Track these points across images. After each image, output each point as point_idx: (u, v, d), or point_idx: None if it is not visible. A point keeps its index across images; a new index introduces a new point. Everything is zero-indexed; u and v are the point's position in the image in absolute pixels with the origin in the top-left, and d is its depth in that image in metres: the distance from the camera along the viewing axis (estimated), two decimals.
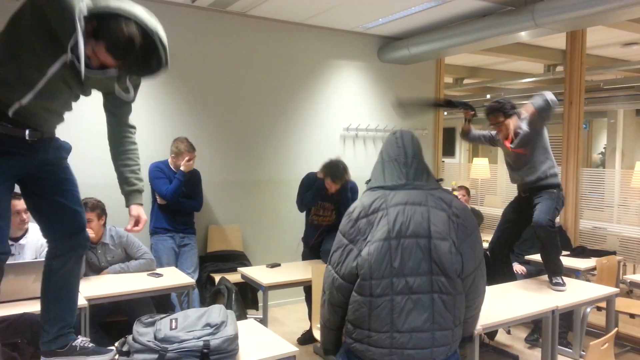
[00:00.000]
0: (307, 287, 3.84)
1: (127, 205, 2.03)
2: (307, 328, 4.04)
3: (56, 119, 1.89)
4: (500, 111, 3.31)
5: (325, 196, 3.80)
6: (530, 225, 3.32)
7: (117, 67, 1.72)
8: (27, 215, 3.03)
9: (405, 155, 1.98)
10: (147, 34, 1.64)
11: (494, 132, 3.51)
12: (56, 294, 1.97)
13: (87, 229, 2.03)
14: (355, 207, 1.92)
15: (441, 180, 2.18)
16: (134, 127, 2.05)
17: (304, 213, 3.99)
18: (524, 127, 3.26)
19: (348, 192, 3.79)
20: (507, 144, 3.35)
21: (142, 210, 2.03)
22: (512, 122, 3.30)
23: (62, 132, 1.95)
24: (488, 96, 9.07)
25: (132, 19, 1.61)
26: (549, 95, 3.17)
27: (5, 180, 1.74)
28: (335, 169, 3.65)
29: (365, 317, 1.83)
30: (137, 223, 2.01)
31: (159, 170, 4.06)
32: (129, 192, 2.02)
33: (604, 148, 10.11)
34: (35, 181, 1.87)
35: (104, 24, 1.62)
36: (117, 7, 1.62)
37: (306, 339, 3.99)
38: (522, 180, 3.40)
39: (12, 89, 1.69)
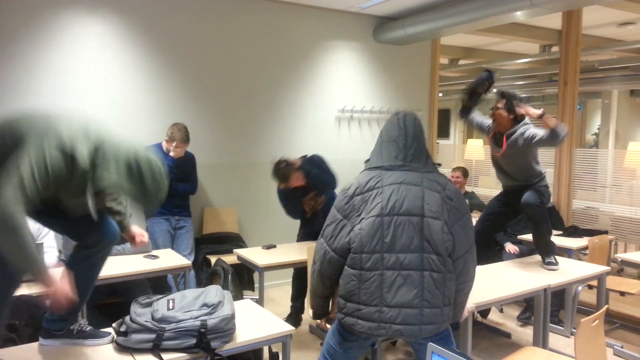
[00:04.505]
0: (297, 269, 3.86)
1: (125, 230, 2.18)
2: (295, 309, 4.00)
3: None
4: (504, 97, 3.20)
5: (302, 192, 3.77)
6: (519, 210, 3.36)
7: None
8: None
9: (405, 136, 2.00)
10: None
11: (490, 123, 3.41)
12: (74, 282, 1.99)
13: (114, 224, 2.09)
14: (352, 185, 1.97)
15: (439, 165, 2.17)
16: None
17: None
18: (535, 131, 3.15)
19: (311, 170, 3.69)
20: (502, 146, 3.25)
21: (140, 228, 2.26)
22: (506, 117, 3.20)
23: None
24: None
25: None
26: (563, 132, 3.07)
27: None
28: (278, 175, 3.65)
29: (355, 290, 1.87)
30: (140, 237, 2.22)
31: None
32: (124, 219, 2.16)
33: (598, 129, 10.15)
34: (53, 208, 1.88)
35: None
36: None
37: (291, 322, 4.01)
38: (510, 182, 3.40)
39: None
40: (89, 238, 1.97)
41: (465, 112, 3.48)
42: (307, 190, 3.78)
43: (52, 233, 3.19)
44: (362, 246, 1.86)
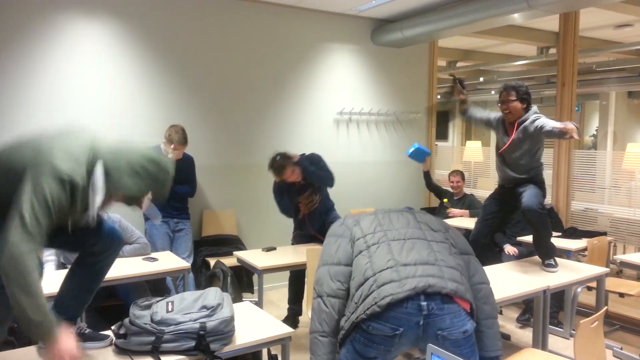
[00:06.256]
0: (293, 271, 3.86)
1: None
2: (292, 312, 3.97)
3: None
4: (514, 90, 3.19)
5: (298, 189, 3.77)
6: (519, 210, 3.34)
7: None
8: None
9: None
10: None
11: (496, 115, 3.42)
12: (77, 287, 1.99)
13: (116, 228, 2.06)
14: (342, 217, 2.14)
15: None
16: None
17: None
18: (540, 123, 3.12)
19: (308, 167, 3.69)
20: (510, 135, 3.23)
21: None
22: (519, 108, 3.19)
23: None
24: (481, 79, 9.07)
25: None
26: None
27: None
28: (273, 167, 3.63)
29: (368, 266, 1.83)
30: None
31: None
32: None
33: (596, 130, 10.16)
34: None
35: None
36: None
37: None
38: (509, 175, 3.38)
39: None
40: (96, 247, 1.96)
41: (465, 110, 3.62)
42: (303, 189, 3.78)
43: None
44: (363, 232, 1.95)
